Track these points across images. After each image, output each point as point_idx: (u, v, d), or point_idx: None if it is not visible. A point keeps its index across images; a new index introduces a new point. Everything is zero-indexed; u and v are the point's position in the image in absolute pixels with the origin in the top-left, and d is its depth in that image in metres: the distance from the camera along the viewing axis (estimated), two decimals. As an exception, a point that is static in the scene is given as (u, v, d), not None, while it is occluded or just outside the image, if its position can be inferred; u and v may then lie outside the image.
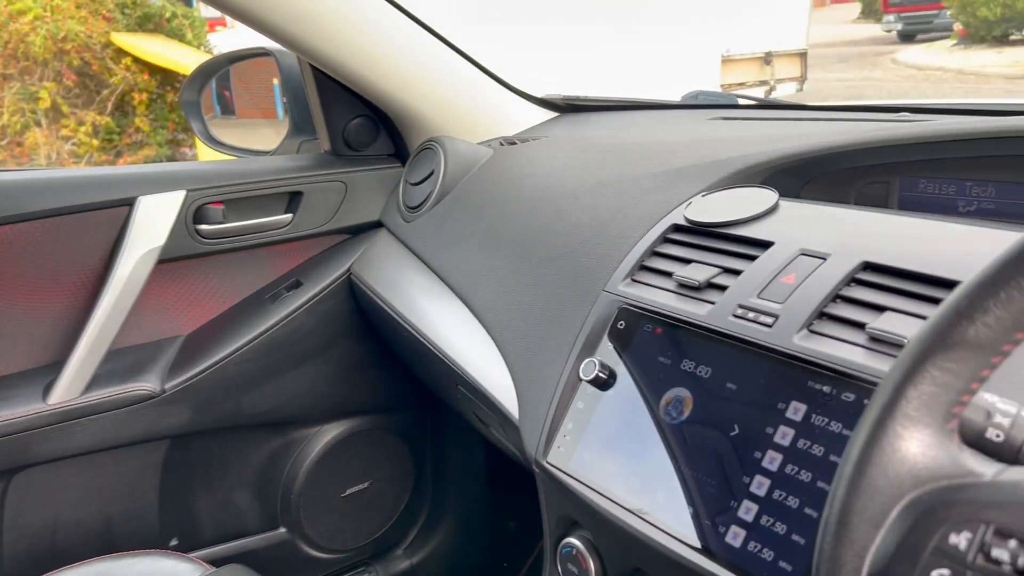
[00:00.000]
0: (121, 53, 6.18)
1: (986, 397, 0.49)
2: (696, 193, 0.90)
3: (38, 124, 6.04)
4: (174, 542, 1.35)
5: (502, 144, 1.36)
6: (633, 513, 0.70)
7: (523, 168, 1.21)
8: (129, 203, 1.18)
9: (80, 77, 6.12)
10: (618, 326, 0.80)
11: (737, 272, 0.75)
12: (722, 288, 0.74)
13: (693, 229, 0.84)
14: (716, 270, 0.77)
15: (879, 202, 0.92)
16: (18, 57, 5.86)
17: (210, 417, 1.30)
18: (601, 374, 0.77)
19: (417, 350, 1.14)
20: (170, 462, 1.32)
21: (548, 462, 0.79)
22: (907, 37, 16.08)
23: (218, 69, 1.60)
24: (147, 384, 1.23)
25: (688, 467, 0.68)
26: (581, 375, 0.78)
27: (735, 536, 0.63)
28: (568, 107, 1.51)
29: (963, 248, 0.67)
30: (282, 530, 1.44)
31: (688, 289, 0.77)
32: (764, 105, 1.32)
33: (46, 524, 1.23)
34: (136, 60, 6.19)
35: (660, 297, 0.79)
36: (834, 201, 0.89)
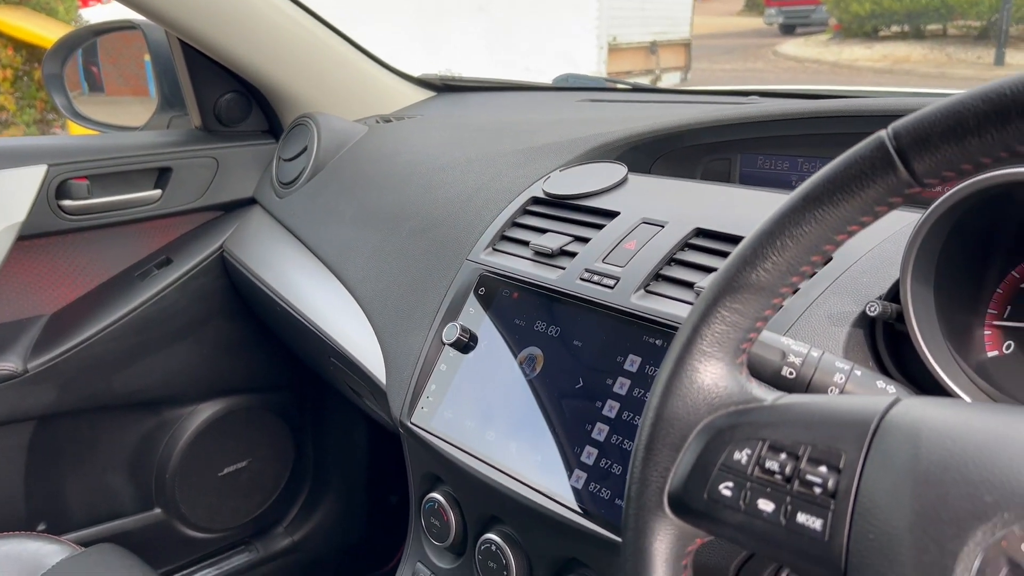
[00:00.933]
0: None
1: (783, 341, 0.55)
2: (554, 168, 0.95)
3: None
4: (42, 526, 1.31)
5: (378, 122, 1.37)
6: (489, 464, 0.74)
7: (397, 145, 1.23)
8: (-15, 176, 1.14)
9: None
10: (479, 292, 0.84)
11: (586, 240, 0.80)
12: (572, 255, 0.79)
13: (549, 201, 0.89)
14: (568, 238, 0.82)
15: (722, 177, 0.99)
16: None
17: (78, 397, 1.27)
18: (462, 337, 0.80)
19: (291, 325, 1.15)
20: (36, 444, 1.28)
21: (412, 423, 0.82)
22: (788, 30, 16.81)
23: (82, 41, 1.54)
24: (8, 364, 1.19)
25: (538, 419, 0.73)
26: (444, 339, 0.81)
27: (578, 479, 0.68)
28: (445, 87, 1.54)
29: (753, 211, 0.74)
30: (157, 511, 1.42)
31: (543, 256, 0.82)
32: (628, 88, 1.38)
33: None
34: (2, 34, 5.84)
35: (518, 264, 0.83)
36: (681, 176, 0.96)
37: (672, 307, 0.69)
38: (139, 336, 1.30)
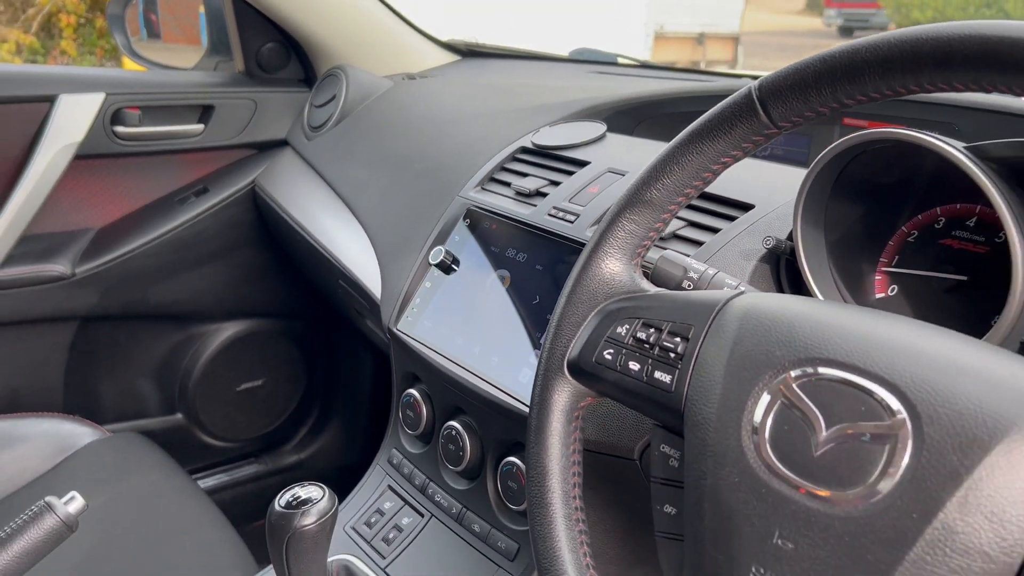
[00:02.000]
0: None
1: (686, 260, 0.67)
2: (545, 124, 1.08)
3: (-43, 37, 5.88)
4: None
5: (404, 79, 1.50)
6: (457, 364, 0.87)
7: (415, 99, 1.36)
8: (50, 100, 1.29)
9: (5, -8, 5.97)
10: (465, 223, 0.97)
11: (558, 184, 0.93)
12: (545, 195, 0.92)
13: (534, 151, 1.02)
14: (544, 182, 0.94)
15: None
16: (-60, -35, 5.68)
17: (117, 304, 1.43)
18: (446, 260, 0.94)
19: (310, 253, 1.29)
20: (77, 342, 1.44)
21: (397, 329, 0.96)
22: (846, 32, 16.60)
23: (143, -13, 1.69)
24: (58, 267, 1.35)
25: (500, 328, 0.86)
26: (430, 260, 0.95)
27: (525, 376, 0.80)
28: (469, 52, 1.66)
29: (732, 174, 0.86)
30: (178, 415, 1.58)
31: (521, 196, 0.94)
32: (635, 65, 1.49)
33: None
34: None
35: (500, 201, 0.96)
36: (660, 139, 1.07)
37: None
38: (174, 255, 1.45)
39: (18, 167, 1.30)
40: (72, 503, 0.72)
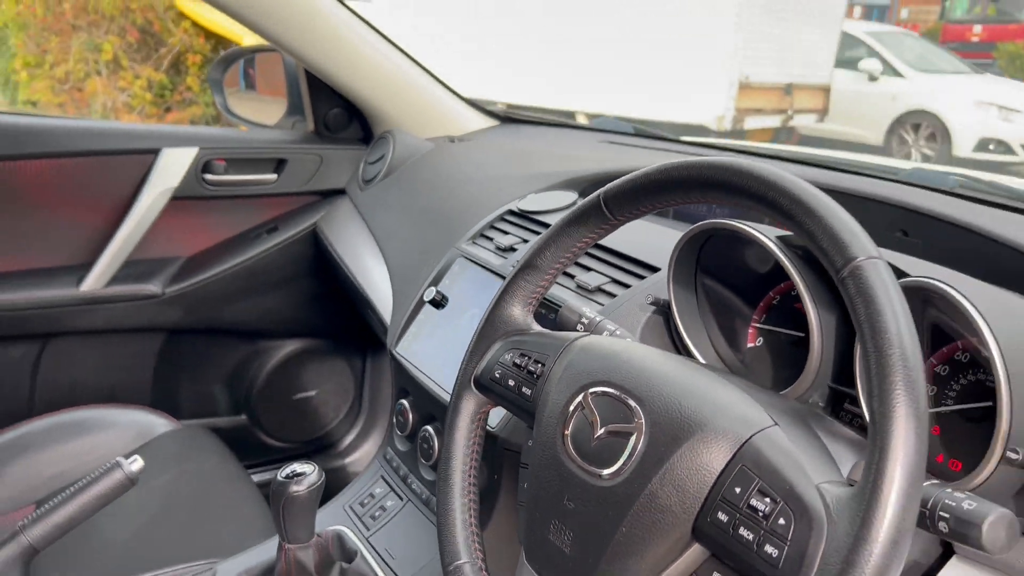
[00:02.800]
0: (182, 16, 6.67)
1: (583, 308, 0.89)
2: (532, 191, 1.31)
3: (99, 74, 6.55)
4: None
5: (446, 141, 1.77)
6: (433, 382, 1.11)
7: (446, 161, 1.62)
8: (155, 152, 1.61)
9: (142, 35, 6.62)
10: (455, 268, 1.22)
11: (527, 241, 1.16)
12: (515, 250, 1.16)
13: (516, 213, 1.26)
14: (517, 239, 1.18)
15: (664, 212, 1.32)
16: (88, 10, 6.37)
17: (197, 320, 1.73)
18: (436, 297, 1.18)
19: (352, 286, 1.56)
20: (164, 349, 1.75)
21: (396, 351, 1.21)
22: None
23: (240, 57, 2.02)
24: (152, 287, 1.66)
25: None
26: (424, 298, 1.19)
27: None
28: (506, 118, 1.92)
29: (650, 240, 1.08)
30: (243, 416, 1.87)
31: (500, 250, 1.18)
32: (642, 134, 1.71)
33: (66, 382, 1.67)
34: (194, 24, 6.68)
35: (483, 253, 1.20)
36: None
37: (557, 290, 1.04)
38: (246, 282, 1.75)
39: (126, 205, 1.62)
40: (134, 464, 0.99)
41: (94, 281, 1.61)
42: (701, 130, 6.92)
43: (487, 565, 0.76)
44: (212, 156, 1.67)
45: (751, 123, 7.31)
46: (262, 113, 2.06)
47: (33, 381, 1.64)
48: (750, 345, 0.95)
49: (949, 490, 0.57)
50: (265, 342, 1.86)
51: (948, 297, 0.67)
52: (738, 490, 0.58)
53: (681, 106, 6.74)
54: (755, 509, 0.56)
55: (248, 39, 4.94)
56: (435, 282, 1.23)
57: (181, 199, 1.67)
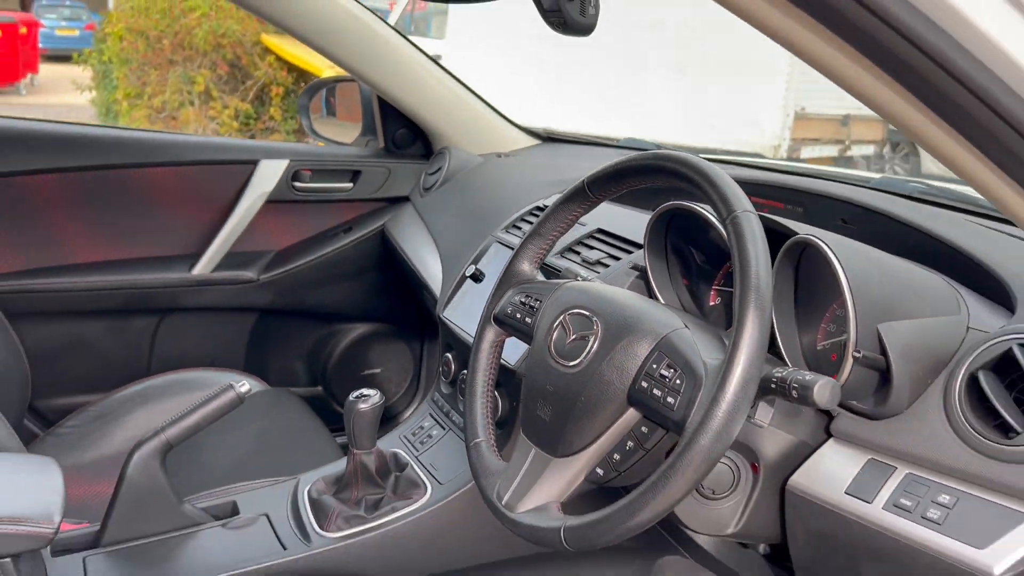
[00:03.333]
0: (267, 51, 7.22)
1: (579, 271, 1.19)
2: (557, 192, 1.61)
3: (191, 104, 7.13)
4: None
5: (495, 156, 2.09)
6: (470, 336, 1.41)
7: (492, 172, 1.94)
8: (254, 163, 1.97)
9: (231, 68, 7.19)
10: (490, 252, 1.52)
11: (547, 228, 1.46)
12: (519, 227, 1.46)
13: (542, 209, 1.56)
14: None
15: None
16: (184, 47, 6.97)
17: (285, 303, 2.08)
18: (475, 273, 1.49)
19: (411, 274, 1.88)
20: (257, 327, 2.10)
21: (443, 315, 1.52)
22: None
23: (323, 87, 2.38)
24: (248, 274, 2.01)
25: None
26: (466, 273, 1.50)
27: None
28: (548, 138, 2.23)
29: (635, 224, 1.36)
30: (319, 388, 2.20)
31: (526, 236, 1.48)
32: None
33: (177, 349, 2.03)
34: (279, 58, 7.23)
35: (513, 239, 1.50)
36: (641, 207, 1.58)
37: (564, 263, 1.33)
38: (325, 273, 2.09)
39: (230, 206, 1.98)
40: (243, 386, 1.30)
41: (202, 267, 1.97)
42: (757, 159, 7.11)
43: (497, 444, 1.06)
44: (300, 167, 2.02)
45: (807, 152, 7.49)
46: (339, 134, 2.42)
47: (152, 347, 2.00)
48: (712, 304, 1.23)
49: (798, 371, 0.84)
50: (339, 324, 2.20)
51: (812, 243, 0.95)
52: (655, 366, 0.86)
53: (738, 135, 6.97)
54: (664, 376, 0.85)
55: (328, 72, 5.41)
56: (475, 262, 1.54)
57: (274, 202, 2.02)
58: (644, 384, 0.87)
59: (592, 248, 1.36)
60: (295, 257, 2.07)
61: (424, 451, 1.42)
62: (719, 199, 0.86)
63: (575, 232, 1.42)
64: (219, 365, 2.03)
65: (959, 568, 0.80)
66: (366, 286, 2.16)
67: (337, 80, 2.35)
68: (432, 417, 1.50)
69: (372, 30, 1.92)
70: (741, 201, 0.85)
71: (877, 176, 1.64)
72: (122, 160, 1.88)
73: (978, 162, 0.63)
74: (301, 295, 2.09)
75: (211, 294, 1.99)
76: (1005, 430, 0.84)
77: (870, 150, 8.19)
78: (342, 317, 2.19)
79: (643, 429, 0.90)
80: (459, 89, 2.07)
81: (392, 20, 7.72)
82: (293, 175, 2.02)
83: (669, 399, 0.84)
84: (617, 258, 1.30)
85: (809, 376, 0.82)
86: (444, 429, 1.45)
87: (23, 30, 13.42)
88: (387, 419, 2.30)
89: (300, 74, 7.30)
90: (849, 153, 7.96)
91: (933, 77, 0.56)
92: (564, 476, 0.93)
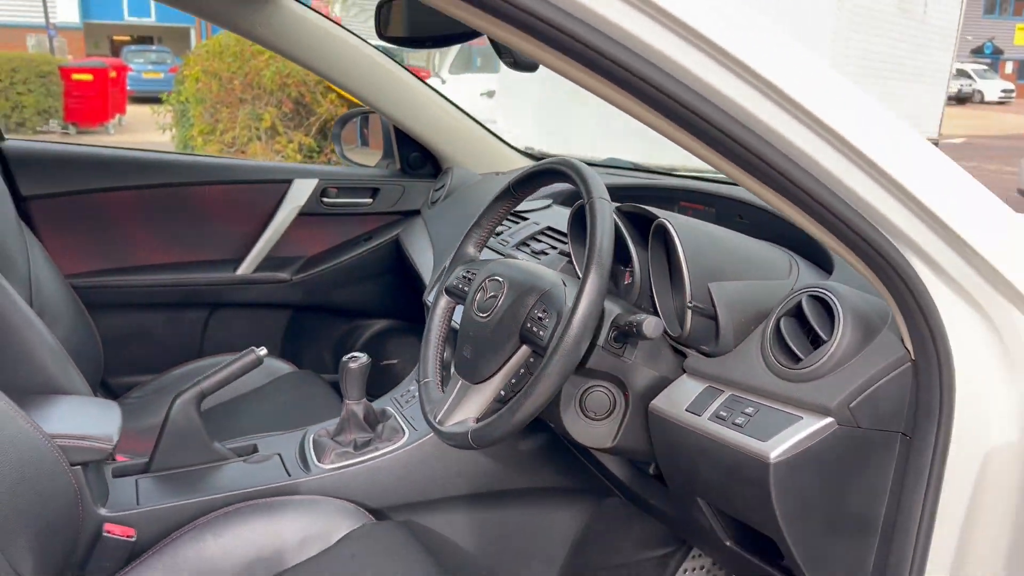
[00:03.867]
0: (329, 89, 7.75)
1: (516, 252, 1.51)
2: (537, 202, 1.94)
3: (259, 139, 7.70)
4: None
5: (493, 175, 2.42)
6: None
7: (488, 187, 2.27)
8: (289, 181, 2.35)
9: (295, 105, 7.75)
10: (468, 248, 1.85)
11: (511, 227, 1.78)
12: (500, 233, 1.78)
13: (513, 215, 1.88)
14: (507, 227, 1.80)
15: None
16: (253, 86, 7.56)
17: (314, 300, 2.44)
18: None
19: (417, 275, 2.22)
20: (290, 321, 2.47)
21: (427, 299, 1.85)
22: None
23: (354, 117, 2.76)
24: (283, 275, 2.38)
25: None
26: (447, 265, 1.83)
27: (466, 315, 1.66)
28: (540, 158, 2.55)
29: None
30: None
31: (496, 234, 1.81)
32: (629, 167, 2.29)
33: (224, 337, 2.40)
34: (339, 96, 7.75)
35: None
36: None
37: (517, 252, 1.65)
38: (348, 275, 2.45)
39: (268, 217, 2.36)
40: (262, 350, 1.65)
41: (245, 268, 2.35)
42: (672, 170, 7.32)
43: (443, 384, 1.38)
44: (328, 185, 2.40)
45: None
46: (367, 159, 2.79)
47: (203, 335, 2.38)
48: (627, 283, 1.53)
49: (637, 313, 1.14)
50: (360, 320, 2.55)
51: (661, 222, 1.25)
52: (535, 312, 1.18)
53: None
54: (540, 318, 1.16)
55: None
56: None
57: (305, 215, 2.39)
58: (529, 325, 1.18)
59: (540, 241, 1.68)
60: (323, 261, 2.44)
61: (407, 407, 1.75)
62: (585, 189, 1.18)
63: (530, 229, 1.75)
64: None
65: (751, 456, 1.08)
66: (383, 287, 2.51)
67: (362, 112, 2.73)
68: (416, 382, 1.82)
69: (389, 71, 2.29)
70: (599, 190, 1.17)
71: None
72: (180, 180, 2.29)
73: (703, 149, 0.92)
74: (328, 294, 2.45)
75: (252, 291, 2.37)
76: (798, 360, 1.12)
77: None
78: (363, 313, 2.54)
79: (531, 359, 1.21)
80: (464, 119, 2.42)
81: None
82: (322, 192, 2.39)
83: (542, 333, 1.15)
84: (555, 248, 1.62)
85: (642, 316, 1.13)
86: (424, 391, 1.78)
87: (112, 74, 14.46)
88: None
89: (349, 103, 7.81)
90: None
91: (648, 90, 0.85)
92: (479, 398, 1.25)
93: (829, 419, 1.04)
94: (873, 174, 0.89)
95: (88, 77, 13.64)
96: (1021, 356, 0.99)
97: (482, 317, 1.26)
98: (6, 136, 2.20)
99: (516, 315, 1.21)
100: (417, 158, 2.49)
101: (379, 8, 1.63)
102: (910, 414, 1.04)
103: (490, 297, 1.27)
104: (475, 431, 1.18)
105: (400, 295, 2.54)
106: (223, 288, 2.34)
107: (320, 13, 2.23)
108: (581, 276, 1.12)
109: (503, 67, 9.54)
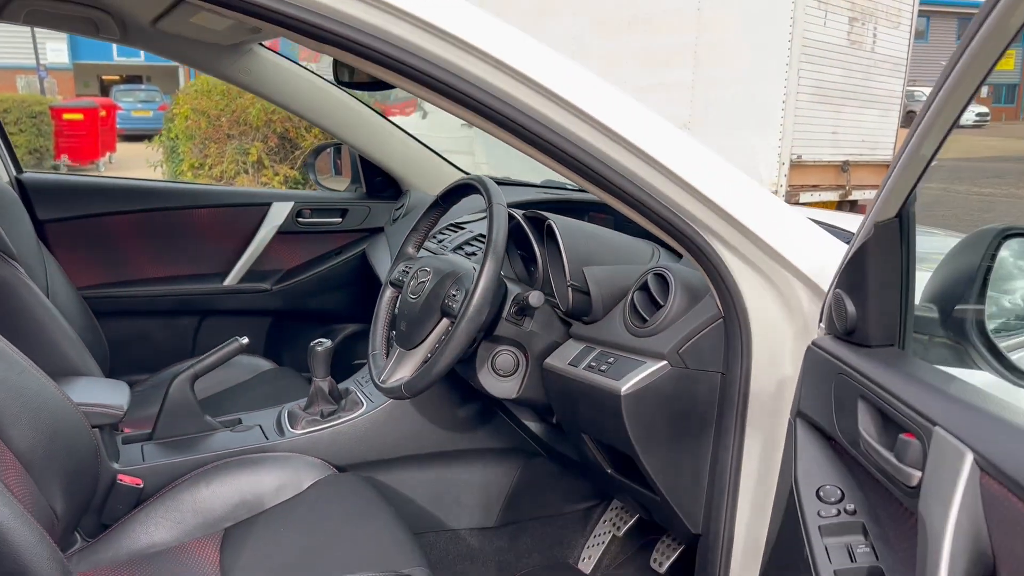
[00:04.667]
0: (312, 124, 8.17)
1: (452, 251, 1.88)
2: (476, 215, 2.31)
3: (246, 172, 8.08)
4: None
5: (447, 196, 2.79)
6: (396, 308, 2.10)
7: (438, 205, 2.65)
8: (268, 204, 2.72)
9: (280, 140, 8.15)
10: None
11: (451, 234, 2.15)
12: (441, 239, 2.15)
13: (455, 225, 2.25)
14: (446, 235, 2.17)
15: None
16: (240, 123, 7.96)
17: (291, 307, 2.80)
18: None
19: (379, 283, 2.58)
20: (272, 326, 2.82)
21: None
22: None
23: (326, 148, 3.14)
24: (264, 285, 2.75)
25: (412, 292, 2.09)
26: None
27: (411, 307, 2.02)
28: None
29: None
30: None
31: (439, 241, 2.17)
32: (553, 186, 2.66)
33: (214, 341, 2.74)
34: (323, 131, 8.15)
35: (431, 245, 2.19)
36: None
37: (451, 255, 2.02)
38: (321, 285, 2.81)
39: (251, 236, 2.73)
40: (244, 339, 2.00)
41: (231, 280, 2.71)
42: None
43: (389, 353, 1.74)
44: (303, 207, 2.77)
45: (806, 197, 8.03)
46: (339, 184, 3.17)
47: (195, 340, 2.74)
48: (538, 274, 1.89)
49: (529, 290, 1.50)
50: (333, 324, 2.91)
51: (549, 222, 1.62)
52: (451, 291, 1.55)
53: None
54: (454, 295, 1.53)
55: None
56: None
57: (283, 233, 2.76)
58: (446, 301, 1.55)
59: (472, 245, 2.05)
60: (299, 273, 2.80)
61: (366, 386, 2.10)
62: (487, 198, 1.55)
63: (464, 236, 2.12)
64: (244, 353, 2.75)
65: (609, 392, 1.44)
66: (351, 295, 2.87)
67: (332, 144, 3.12)
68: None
69: (355, 109, 2.68)
70: (498, 198, 1.54)
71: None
72: (174, 204, 2.66)
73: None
74: (304, 301, 2.82)
75: (237, 300, 2.73)
76: (645, 321, 1.49)
77: (872, 194, 8.64)
78: (335, 318, 2.90)
79: (448, 328, 1.57)
80: (421, 148, 2.81)
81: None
82: (297, 213, 2.76)
83: (454, 306, 1.52)
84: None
85: (529, 291, 1.50)
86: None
87: (103, 113, 14.85)
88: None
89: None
90: (851, 198, 8.48)
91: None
92: (411, 361, 1.62)
93: (664, 362, 1.40)
94: (683, 185, 1.27)
95: (79, 116, 14.02)
96: (795, 304, 1.35)
97: (413, 299, 1.63)
98: (25, 169, 2.57)
99: (438, 295, 1.58)
100: (381, 183, 2.87)
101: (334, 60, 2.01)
102: (724, 357, 1.40)
103: (420, 283, 1.64)
104: (407, 383, 1.54)
105: (367, 302, 2.89)
106: (212, 297, 2.70)
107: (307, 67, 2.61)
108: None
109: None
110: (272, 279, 2.78)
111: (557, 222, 1.61)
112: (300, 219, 2.77)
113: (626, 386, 1.41)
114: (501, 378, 1.65)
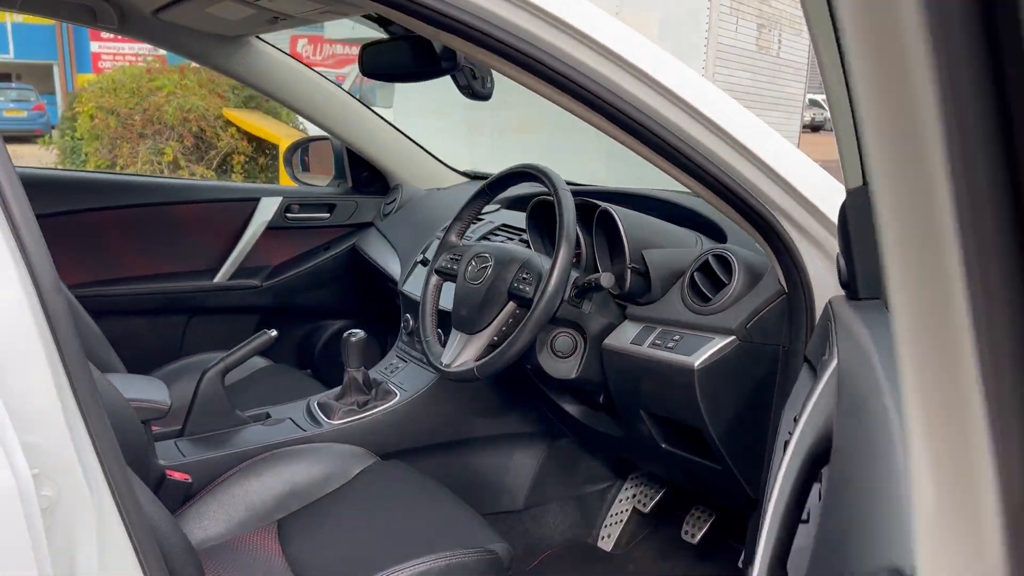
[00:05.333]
0: (229, 123, 7.95)
1: (492, 237, 1.92)
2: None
3: (161, 173, 7.78)
4: None
5: (434, 190, 2.82)
6: (417, 299, 2.13)
7: (428, 201, 2.68)
8: (257, 200, 2.68)
9: (196, 140, 7.89)
10: (433, 244, 2.25)
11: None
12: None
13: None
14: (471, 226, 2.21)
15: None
16: (154, 122, 7.66)
17: (281, 303, 2.77)
18: (423, 260, 2.20)
19: (380, 274, 2.58)
20: (260, 323, 2.77)
21: (403, 289, 2.23)
22: None
23: (303, 144, 3.11)
24: (254, 282, 2.70)
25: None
26: (415, 260, 2.22)
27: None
28: (475, 176, 2.97)
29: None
30: (308, 371, 2.87)
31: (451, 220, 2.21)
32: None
33: (202, 338, 2.69)
34: (239, 130, 7.95)
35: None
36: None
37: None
38: (310, 281, 2.78)
39: (240, 232, 2.68)
40: (273, 331, 1.98)
41: (220, 277, 2.65)
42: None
43: (442, 340, 1.77)
44: (291, 203, 2.74)
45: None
46: (313, 180, 3.14)
47: (184, 337, 2.66)
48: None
49: (600, 274, 1.57)
50: (323, 320, 2.89)
51: (608, 211, 1.69)
52: (520, 274, 1.60)
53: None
54: (525, 278, 1.58)
55: (286, 141, 6.12)
56: (423, 252, 2.26)
57: (272, 229, 2.72)
58: (516, 285, 1.60)
59: (498, 235, 2.10)
60: (288, 269, 2.77)
61: (393, 375, 2.12)
62: (550, 185, 1.61)
63: (488, 226, 2.17)
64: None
65: (681, 367, 1.52)
66: (341, 291, 2.86)
67: (312, 140, 3.09)
68: (398, 357, 2.20)
69: (343, 101, 2.67)
70: (562, 185, 1.60)
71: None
72: (162, 200, 2.58)
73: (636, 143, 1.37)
74: (292, 297, 2.78)
75: (226, 297, 2.68)
76: (707, 300, 1.58)
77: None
78: (323, 314, 2.88)
79: (517, 312, 1.62)
80: (407, 142, 2.82)
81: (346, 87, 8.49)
82: (286, 208, 2.73)
83: (527, 290, 1.57)
84: (511, 238, 2.04)
85: (598, 274, 1.56)
86: (406, 363, 2.15)
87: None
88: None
89: (259, 143, 8.02)
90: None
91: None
92: (477, 344, 1.66)
93: (732, 337, 1.50)
94: (756, 163, 1.36)
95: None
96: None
97: (475, 284, 1.67)
98: (2, 163, 2.44)
99: (504, 280, 1.62)
100: (368, 177, 2.87)
101: (362, 49, 2.02)
102: (786, 332, 1.51)
103: (479, 269, 1.68)
104: (479, 366, 1.58)
105: (354, 297, 2.89)
106: (201, 295, 2.64)
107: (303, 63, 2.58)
108: (554, 248, 1.55)
109: (396, 101, 9.74)
110: (261, 275, 2.74)
111: (613, 209, 1.69)
112: (288, 214, 2.74)
113: (699, 360, 1.50)
114: (560, 359, 1.71)
